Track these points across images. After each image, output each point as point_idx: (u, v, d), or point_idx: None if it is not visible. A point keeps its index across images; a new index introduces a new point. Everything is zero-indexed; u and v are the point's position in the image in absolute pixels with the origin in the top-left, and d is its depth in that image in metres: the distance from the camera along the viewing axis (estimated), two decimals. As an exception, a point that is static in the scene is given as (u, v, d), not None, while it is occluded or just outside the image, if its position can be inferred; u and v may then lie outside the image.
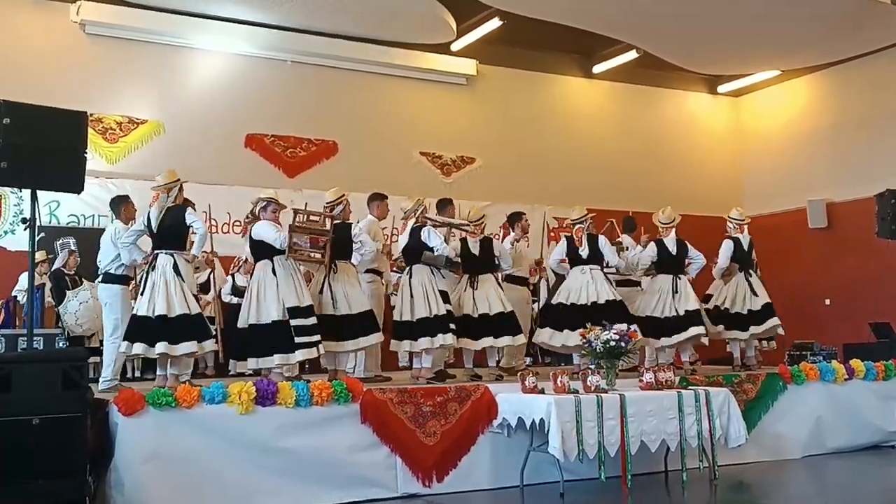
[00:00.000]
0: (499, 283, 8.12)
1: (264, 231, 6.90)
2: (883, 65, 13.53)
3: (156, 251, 6.84)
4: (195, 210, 7.13)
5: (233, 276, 10.58)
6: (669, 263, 8.57)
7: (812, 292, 13.54)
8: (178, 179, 6.97)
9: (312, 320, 6.79)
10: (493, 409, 6.51)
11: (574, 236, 8.25)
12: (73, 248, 9.79)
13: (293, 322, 6.68)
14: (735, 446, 6.76)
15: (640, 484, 6.33)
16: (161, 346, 6.53)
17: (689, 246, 8.68)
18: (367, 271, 7.93)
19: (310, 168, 12.66)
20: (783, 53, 13.52)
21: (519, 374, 6.64)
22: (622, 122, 15.06)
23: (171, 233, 6.83)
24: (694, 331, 8.27)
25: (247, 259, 10.66)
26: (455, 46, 13.43)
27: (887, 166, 12.92)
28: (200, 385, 6.03)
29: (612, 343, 6.58)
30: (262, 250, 6.93)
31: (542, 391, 6.27)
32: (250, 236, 7.04)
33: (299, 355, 6.72)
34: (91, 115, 9.70)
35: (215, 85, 12.33)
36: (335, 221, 7.21)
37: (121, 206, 7.60)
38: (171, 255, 6.77)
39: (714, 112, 16.19)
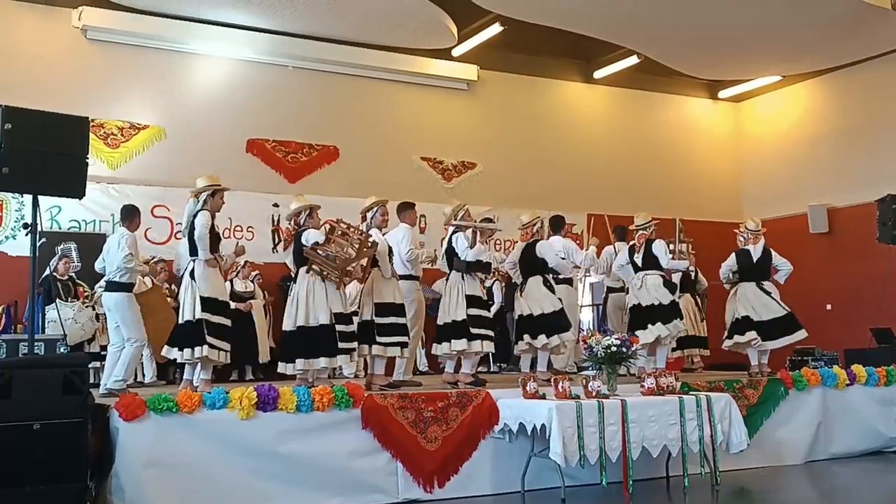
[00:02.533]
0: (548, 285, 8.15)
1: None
2: (884, 69, 13.54)
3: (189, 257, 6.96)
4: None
5: (231, 281, 10.56)
6: (752, 271, 8.83)
7: (813, 297, 13.50)
8: (212, 185, 6.94)
9: (353, 327, 6.98)
10: (494, 415, 6.50)
11: (636, 242, 8.62)
12: (67, 254, 9.82)
13: (339, 327, 6.79)
14: (737, 452, 6.74)
15: (642, 489, 6.31)
16: (164, 352, 6.95)
17: (775, 253, 8.90)
18: (409, 278, 7.92)
19: (311, 173, 12.70)
20: (783, 58, 13.54)
21: (520, 380, 6.63)
22: (623, 127, 15.08)
23: (192, 238, 6.89)
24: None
25: (245, 264, 10.74)
26: (456, 52, 13.47)
27: (888, 171, 12.93)
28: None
29: (613, 348, 6.59)
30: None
31: (543, 396, 6.27)
32: (301, 243, 6.94)
33: (340, 360, 6.85)
34: (92, 120, 9.70)
35: (217, 90, 12.35)
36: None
37: (134, 214, 7.62)
38: (193, 260, 6.87)
39: (715, 117, 16.20)
